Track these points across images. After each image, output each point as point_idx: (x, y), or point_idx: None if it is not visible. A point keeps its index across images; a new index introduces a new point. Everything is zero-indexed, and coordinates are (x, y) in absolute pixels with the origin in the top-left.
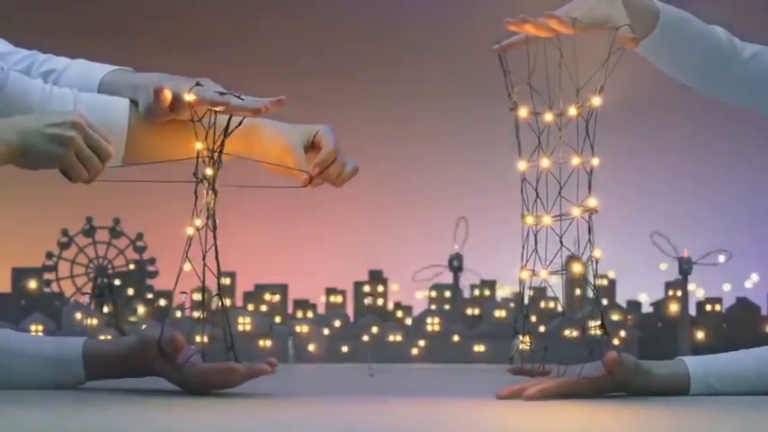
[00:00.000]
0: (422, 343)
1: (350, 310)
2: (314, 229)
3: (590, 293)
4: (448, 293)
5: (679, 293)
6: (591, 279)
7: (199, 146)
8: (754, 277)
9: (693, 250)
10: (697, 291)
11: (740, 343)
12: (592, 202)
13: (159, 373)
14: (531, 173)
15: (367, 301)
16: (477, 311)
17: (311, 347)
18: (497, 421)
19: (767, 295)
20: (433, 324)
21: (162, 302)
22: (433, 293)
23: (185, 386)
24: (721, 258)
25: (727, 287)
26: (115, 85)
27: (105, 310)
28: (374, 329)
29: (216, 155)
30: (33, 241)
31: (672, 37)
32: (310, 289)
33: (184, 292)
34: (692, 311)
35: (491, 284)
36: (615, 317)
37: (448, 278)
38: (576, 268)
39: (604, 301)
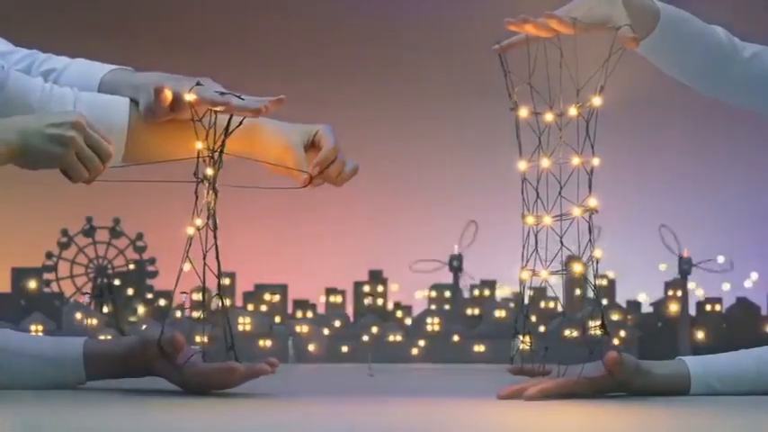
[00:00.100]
0: (422, 343)
1: (350, 310)
2: (314, 229)
3: (590, 293)
4: (448, 293)
5: (679, 293)
6: (591, 279)
7: (199, 146)
8: (754, 276)
9: (693, 250)
10: (697, 291)
11: (740, 343)
12: (592, 201)
13: (159, 373)
14: (532, 173)
15: (367, 301)
16: (477, 311)
17: (311, 347)
18: (497, 421)
19: (767, 295)
20: (432, 324)
21: (162, 302)
22: (433, 293)
23: (185, 386)
24: (720, 259)
25: (726, 287)
26: (115, 84)
27: (105, 310)
28: (374, 329)
29: (216, 155)
30: (33, 241)
31: (672, 37)
32: (310, 289)
33: (184, 293)
34: (692, 311)
35: (491, 284)
36: (615, 317)
37: (448, 278)
38: (577, 268)
39: (604, 301)
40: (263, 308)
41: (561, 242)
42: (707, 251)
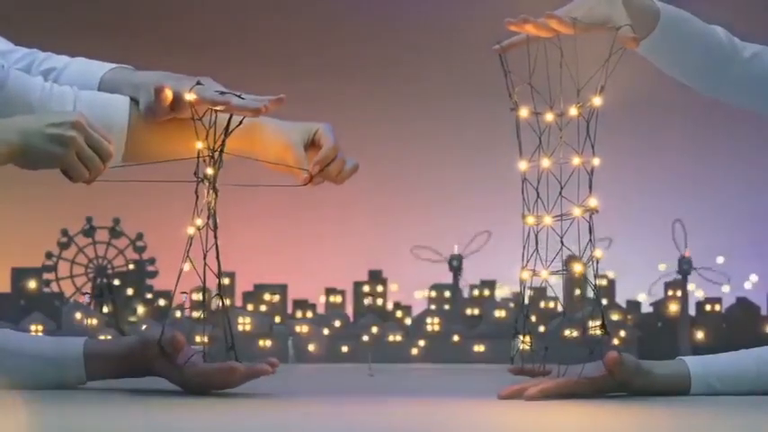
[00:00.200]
0: (422, 343)
1: (349, 310)
2: (313, 229)
3: (590, 293)
4: (447, 293)
5: (679, 293)
6: (591, 279)
7: (199, 145)
8: (753, 278)
9: (693, 250)
10: (696, 291)
11: (740, 343)
12: (592, 202)
13: (160, 373)
14: (532, 173)
15: (366, 301)
16: (476, 311)
17: (311, 347)
18: (497, 421)
19: (767, 295)
20: (432, 324)
21: (161, 302)
22: (433, 293)
23: (186, 386)
24: (720, 259)
25: (726, 287)
26: (115, 83)
27: (105, 310)
28: (374, 329)
29: (216, 154)
30: (33, 241)
31: (672, 37)
32: (310, 289)
33: (184, 293)
34: (692, 311)
35: (491, 284)
36: (615, 317)
37: (447, 278)
38: (577, 268)
39: (604, 301)
40: (263, 308)
41: (561, 242)
42: (707, 251)
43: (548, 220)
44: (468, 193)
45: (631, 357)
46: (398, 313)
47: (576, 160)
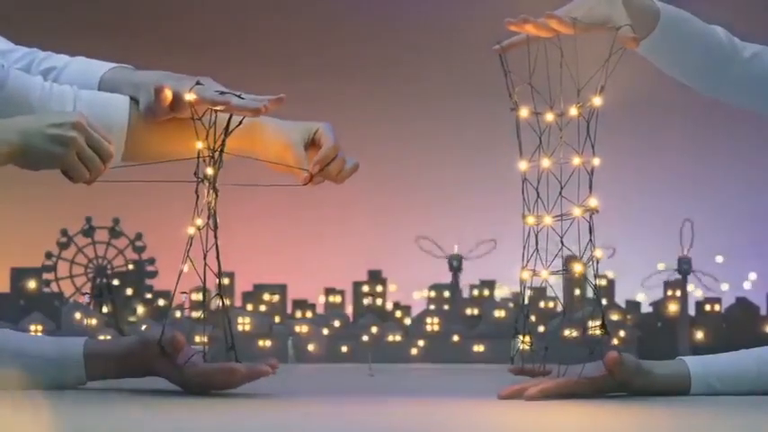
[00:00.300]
0: (421, 343)
1: (349, 310)
2: (313, 229)
3: (590, 293)
4: (447, 293)
5: (678, 293)
6: (591, 279)
7: (199, 145)
8: (752, 276)
9: (693, 250)
10: (696, 291)
11: (740, 343)
12: (592, 202)
13: (160, 373)
14: (532, 173)
15: (366, 301)
16: (476, 311)
17: (311, 347)
18: (497, 421)
19: (767, 295)
20: (432, 324)
21: (161, 302)
22: (432, 293)
23: (186, 386)
24: (719, 259)
25: (725, 287)
26: (115, 82)
27: (104, 310)
28: (374, 329)
29: (217, 154)
30: (33, 241)
31: (672, 37)
32: (309, 289)
33: (184, 293)
34: (692, 311)
35: (490, 284)
36: (614, 317)
37: (447, 278)
38: (577, 268)
39: (604, 301)
40: (263, 308)
41: (562, 242)
42: (706, 251)
43: (548, 220)
44: (468, 193)
45: (631, 357)
46: (398, 313)
47: (576, 160)
